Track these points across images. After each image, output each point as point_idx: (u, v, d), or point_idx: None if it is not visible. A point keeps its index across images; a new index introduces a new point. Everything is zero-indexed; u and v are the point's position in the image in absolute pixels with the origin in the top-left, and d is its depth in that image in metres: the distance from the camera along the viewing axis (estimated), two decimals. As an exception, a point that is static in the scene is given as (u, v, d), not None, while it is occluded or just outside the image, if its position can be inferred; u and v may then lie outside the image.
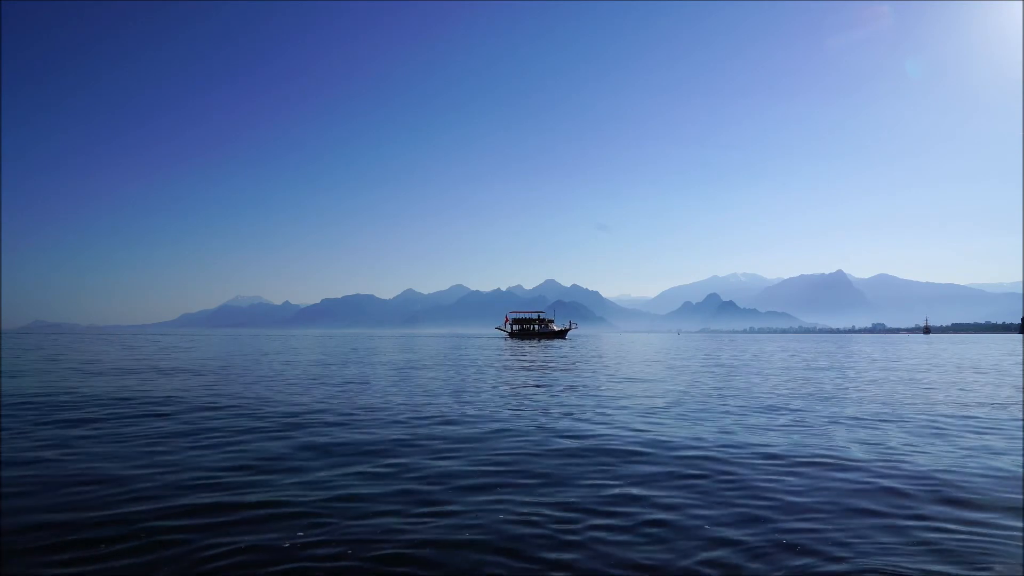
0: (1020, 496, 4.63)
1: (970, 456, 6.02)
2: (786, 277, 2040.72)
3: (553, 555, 3.42)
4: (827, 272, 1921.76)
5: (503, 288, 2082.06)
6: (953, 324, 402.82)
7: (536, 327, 69.93)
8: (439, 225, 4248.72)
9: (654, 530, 3.80)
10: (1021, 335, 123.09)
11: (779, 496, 4.52)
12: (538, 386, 12.86)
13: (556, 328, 70.42)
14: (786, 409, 9.39)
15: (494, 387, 12.63)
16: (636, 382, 14.02)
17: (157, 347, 37.22)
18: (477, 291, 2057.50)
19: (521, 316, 72.16)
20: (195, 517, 3.98)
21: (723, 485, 4.84)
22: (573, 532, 3.75)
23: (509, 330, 71.64)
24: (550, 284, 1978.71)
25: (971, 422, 8.24)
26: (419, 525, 3.84)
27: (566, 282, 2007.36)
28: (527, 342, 52.53)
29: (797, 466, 5.47)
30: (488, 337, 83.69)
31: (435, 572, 3.20)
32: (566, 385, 13.06)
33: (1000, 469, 5.48)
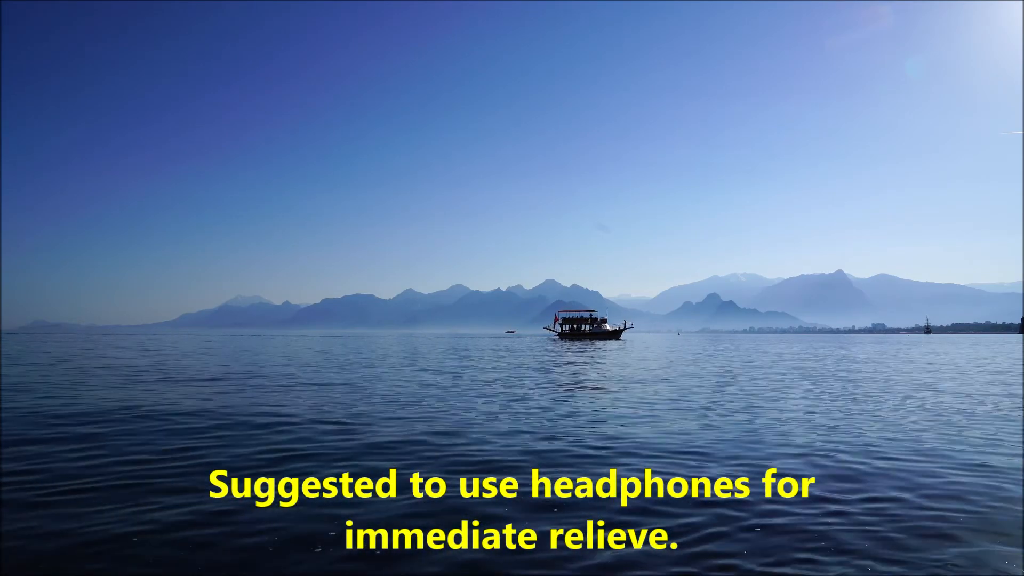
0: None
1: None
2: (786, 277, 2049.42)
3: None
4: (827, 272, 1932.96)
5: (503, 288, 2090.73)
6: (953, 324, 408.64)
7: (588, 327, 68.24)
8: (439, 225, 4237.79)
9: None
10: (1021, 335, 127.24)
11: None
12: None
13: (610, 328, 68.39)
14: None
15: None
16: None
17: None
18: (477, 291, 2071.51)
19: (572, 316, 70.33)
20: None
21: None
22: None
23: (559, 330, 70.34)
24: (550, 284, 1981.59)
25: None
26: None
27: (566, 282, 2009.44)
28: (581, 342, 51.27)
29: None
30: (496, 337, 79.05)
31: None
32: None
33: None
